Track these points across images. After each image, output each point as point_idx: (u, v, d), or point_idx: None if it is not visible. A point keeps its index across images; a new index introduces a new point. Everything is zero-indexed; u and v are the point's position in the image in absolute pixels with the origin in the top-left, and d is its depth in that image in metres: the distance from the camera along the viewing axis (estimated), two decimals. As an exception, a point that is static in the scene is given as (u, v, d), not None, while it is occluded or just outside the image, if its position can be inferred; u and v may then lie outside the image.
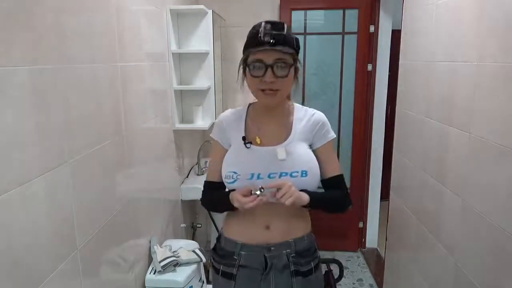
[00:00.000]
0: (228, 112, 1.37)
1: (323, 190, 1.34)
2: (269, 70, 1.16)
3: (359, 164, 3.32)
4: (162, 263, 1.89)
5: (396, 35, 2.73)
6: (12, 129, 0.95)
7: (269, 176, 1.23)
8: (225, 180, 1.28)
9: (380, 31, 3.10)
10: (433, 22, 1.87)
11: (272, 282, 1.27)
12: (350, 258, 3.35)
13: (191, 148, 2.93)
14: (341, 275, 1.72)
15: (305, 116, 1.31)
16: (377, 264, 3.21)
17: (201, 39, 2.54)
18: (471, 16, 1.52)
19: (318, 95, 3.29)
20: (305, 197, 1.21)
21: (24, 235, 1.00)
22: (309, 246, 1.33)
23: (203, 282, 2.12)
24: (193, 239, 2.88)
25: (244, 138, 1.27)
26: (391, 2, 3.06)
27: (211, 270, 1.41)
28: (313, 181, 1.25)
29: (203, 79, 2.61)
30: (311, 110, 1.33)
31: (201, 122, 2.63)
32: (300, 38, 2.84)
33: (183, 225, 2.70)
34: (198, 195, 1.43)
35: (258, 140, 1.28)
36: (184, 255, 2.01)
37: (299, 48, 1.23)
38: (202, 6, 2.45)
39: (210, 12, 2.50)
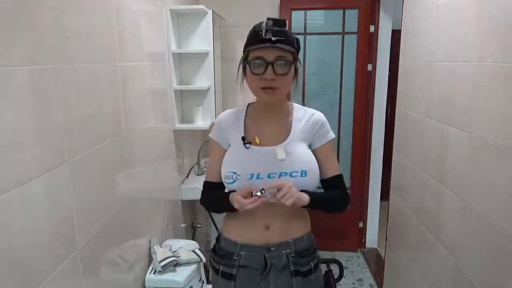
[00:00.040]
0: (227, 112, 1.37)
1: (322, 190, 1.34)
2: (270, 67, 1.16)
3: (359, 164, 3.32)
4: (162, 263, 1.89)
5: (396, 35, 2.73)
6: (12, 129, 0.95)
7: (268, 176, 1.23)
8: (224, 181, 1.28)
9: (380, 31, 3.10)
10: (433, 22, 1.87)
11: (272, 282, 1.27)
12: (350, 258, 3.35)
13: (191, 148, 2.93)
14: (341, 275, 1.72)
15: (304, 116, 1.31)
16: (377, 264, 3.20)
17: (201, 39, 2.54)
18: (471, 16, 1.52)
19: (318, 95, 3.29)
20: (305, 198, 1.21)
21: (24, 235, 1.00)
22: (309, 246, 1.33)
23: (203, 282, 2.12)
24: (193, 239, 2.88)
25: (243, 138, 1.27)
26: (391, 2, 3.06)
27: (211, 271, 1.41)
28: (312, 181, 1.25)
29: (203, 79, 2.61)
30: (311, 110, 1.33)
31: (201, 122, 2.63)
32: (300, 38, 2.83)
33: (183, 225, 2.70)
34: (198, 195, 1.42)
35: (257, 140, 1.28)
36: (184, 255, 2.01)
37: (299, 48, 1.23)
38: (202, 6, 2.45)
39: (210, 12, 2.50)
